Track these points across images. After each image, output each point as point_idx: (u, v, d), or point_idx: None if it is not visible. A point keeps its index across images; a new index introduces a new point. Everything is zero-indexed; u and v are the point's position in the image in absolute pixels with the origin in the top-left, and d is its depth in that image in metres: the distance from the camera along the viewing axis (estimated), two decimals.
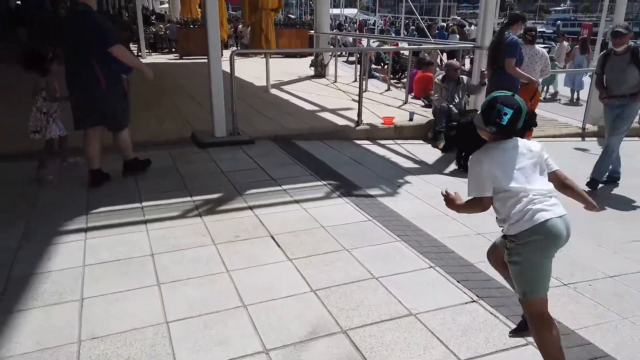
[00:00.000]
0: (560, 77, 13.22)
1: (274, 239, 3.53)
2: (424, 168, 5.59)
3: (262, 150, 5.83)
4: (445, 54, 13.64)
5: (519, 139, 2.14)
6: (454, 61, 7.03)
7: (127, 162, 4.73)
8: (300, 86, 10.41)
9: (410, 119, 7.15)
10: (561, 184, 2.21)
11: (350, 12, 44.44)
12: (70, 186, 4.47)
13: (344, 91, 9.61)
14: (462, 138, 5.57)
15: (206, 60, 5.87)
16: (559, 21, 65.42)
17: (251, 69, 10.94)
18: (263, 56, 10.13)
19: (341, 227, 3.74)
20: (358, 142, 6.59)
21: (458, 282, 2.98)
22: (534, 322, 2.14)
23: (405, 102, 8.64)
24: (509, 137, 2.12)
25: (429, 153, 6.27)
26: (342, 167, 5.29)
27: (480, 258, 2.88)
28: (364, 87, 9.92)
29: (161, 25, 18.36)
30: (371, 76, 12.39)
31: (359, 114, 6.77)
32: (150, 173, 4.87)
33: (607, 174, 5.32)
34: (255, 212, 4.00)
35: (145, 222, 3.77)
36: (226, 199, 4.27)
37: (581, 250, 3.45)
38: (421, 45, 10.73)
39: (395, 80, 13.13)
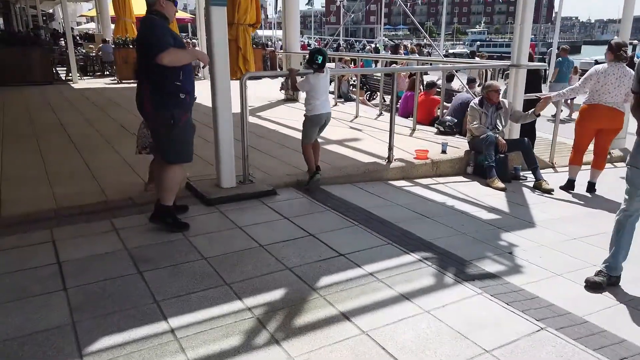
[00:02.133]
0: None
1: None
2: (505, 219, 4.34)
3: (292, 204, 4.33)
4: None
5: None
6: (496, 82, 5.96)
7: (158, 206, 3.66)
8: (278, 112, 8.97)
9: (444, 151, 5.96)
10: None
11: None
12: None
13: (335, 118, 8.28)
14: None
15: None
16: (478, 42, 69.34)
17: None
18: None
19: (510, 347, 2.37)
20: (394, 182, 5.27)
21: None
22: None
23: (414, 130, 7.46)
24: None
25: (490, 195, 5.06)
26: (414, 225, 3.93)
27: None
28: (355, 113, 8.86)
29: (92, 46, 16.13)
30: (348, 99, 11.23)
31: (390, 148, 5.46)
32: (159, 252, 3.24)
33: None
34: (356, 323, 2.51)
35: None
36: (297, 300, 2.73)
37: None
38: (447, 64, 9.60)
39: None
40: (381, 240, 3.58)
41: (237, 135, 4.46)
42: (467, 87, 8.78)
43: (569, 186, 5.46)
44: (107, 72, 14.94)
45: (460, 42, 76.42)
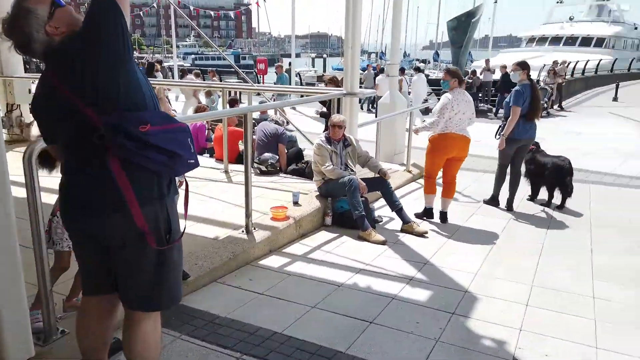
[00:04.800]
0: None
1: None
2: (445, 292, 3.51)
3: None
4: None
5: None
6: (339, 115, 5.05)
7: None
8: None
9: (296, 202, 4.81)
10: None
11: None
12: None
13: None
14: None
15: None
16: (192, 55, 69.25)
17: None
18: None
19: None
20: (264, 262, 3.86)
21: None
22: None
23: (226, 172, 6.05)
24: None
25: (378, 254, 4.17)
26: (371, 341, 2.70)
27: None
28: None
29: None
30: None
31: (248, 215, 3.99)
32: None
33: None
34: None
35: None
36: None
37: None
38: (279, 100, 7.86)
39: None
40: None
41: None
42: (276, 115, 7.72)
43: (426, 214, 5.21)
44: None
45: (171, 55, 75.16)
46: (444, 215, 5.16)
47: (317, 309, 3.12)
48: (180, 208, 2.04)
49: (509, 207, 5.62)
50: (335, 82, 6.99)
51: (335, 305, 3.18)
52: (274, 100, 9.99)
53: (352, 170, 5.00)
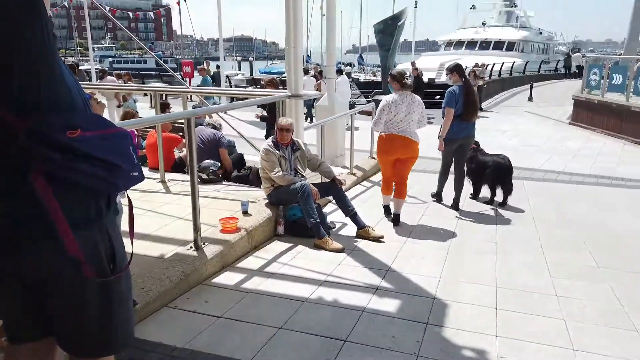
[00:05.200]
0: None
1: None
2: (414, 302, 3.35)
3: None
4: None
5: None
6: (286, 119, 4.77)
7: None
8: None
9: (246, 212, 4.48)
10: None
11: None
12: None
13: None
14: None
15: None
16: (110, 58, 65.51)
17: None
18: None
19: None
20: (217, 280, 3.52)
21: None
22: None
23: (163, 181, 5.58)
24: None
25: (337, 263, 3.96)
26: None
27: None
28: None
29: None
30: None
31: (197, 229, 3.63)
32: None
33: None
34: None
35: None
36: None
37: None
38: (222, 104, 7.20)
39: None
40: None
41: None
42: (211, 119, 7.27)
43: (385, 211, 5.29)
44: None
45: (88, 58, 70.90)
46: (396, 218, 5.09)
47: (285, 330, 2.86)
48: (124, 227, 1.69)
49: (456, 207, 5.66)
50: (274, 84, 6.72)
51: (304, 324, 2.93)
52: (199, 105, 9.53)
53: (302, 176, 4.77)
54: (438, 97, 14.41)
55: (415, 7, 38.67)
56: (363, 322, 2.99)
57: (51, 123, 1.39)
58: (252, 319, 2.98)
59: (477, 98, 5.64)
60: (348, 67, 34.44)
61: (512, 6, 40.29)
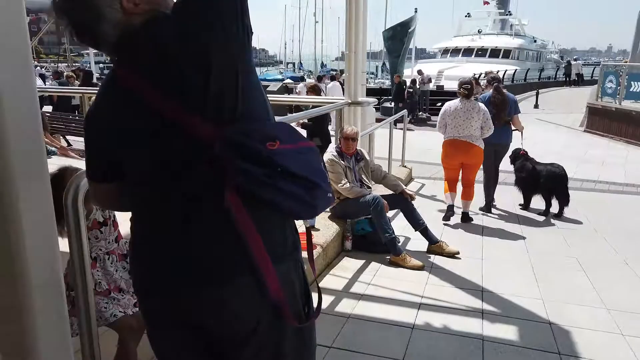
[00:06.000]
0: None
1: None
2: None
3: None
4: None
5: None
6: (350, 127, 4.47)
7: None
8: None
9: (312, 226, 4.18)
10: None
11: None
12: None
13: None
14: None
15: None
16: (101, 64, 64.54)
17: None
18: None
19: None
20: None
21: None
22: None
23: None
24: None
25: (424, 283, 3.66)
26: None
27: None
28: None
29: None
30: None
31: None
32: None
33: None
34: None
35: None
36: None
37: None
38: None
39: None
40: None
41: None
42: None
43: (448, 211, 5.35)
44: None
45: (78, 64, 69.95)
46: (465, 215, 5.28)
47: None
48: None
49: (488, 209, 5.69)
50: (316, 90, 6.44)
51: (429, 355, 2.62)
52: None
53: (368, 187, 4.48)
54: (440, 103, 14.29)
55: (415, 12, 38.74)
56: (490, 353, 2.69)
57: (250, 132, 1.10)
58: (366, 349, 2.66)
59: (500, 102, 5.52)
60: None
61: (506, 14, 40.58)
